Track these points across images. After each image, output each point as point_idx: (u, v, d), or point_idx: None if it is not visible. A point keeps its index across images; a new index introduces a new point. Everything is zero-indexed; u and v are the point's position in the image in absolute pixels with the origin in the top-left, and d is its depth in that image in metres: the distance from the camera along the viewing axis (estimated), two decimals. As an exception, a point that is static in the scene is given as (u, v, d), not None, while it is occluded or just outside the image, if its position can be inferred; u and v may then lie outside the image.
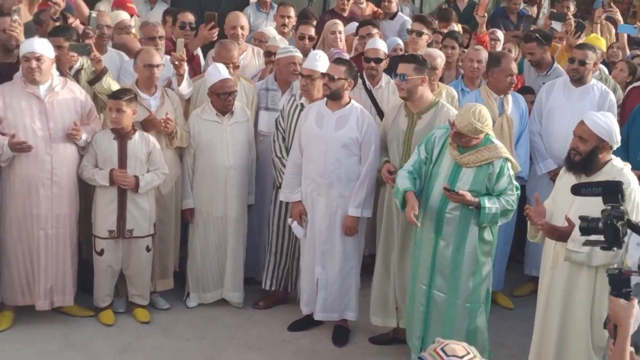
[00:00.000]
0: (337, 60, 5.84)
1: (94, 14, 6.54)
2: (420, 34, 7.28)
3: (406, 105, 5.59)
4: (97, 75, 6.02)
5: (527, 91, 6.95)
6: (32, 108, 5.59)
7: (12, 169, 5.60)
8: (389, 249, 5.71)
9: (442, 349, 2.89)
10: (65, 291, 5.84)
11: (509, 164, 5.10)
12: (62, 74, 5.86)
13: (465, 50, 7.43)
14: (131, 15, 7.58)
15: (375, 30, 7.46)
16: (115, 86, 6.05)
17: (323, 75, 5.73)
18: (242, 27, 7.10)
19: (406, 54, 5.89)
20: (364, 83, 6.55)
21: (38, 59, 5.50)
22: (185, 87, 6.27)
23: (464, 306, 5.15)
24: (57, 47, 5.79)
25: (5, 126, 5.55)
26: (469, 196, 4.97)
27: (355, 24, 8.08)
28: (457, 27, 8.66)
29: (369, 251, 6.48)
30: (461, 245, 5.09)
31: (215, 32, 6.80)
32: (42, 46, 5.55)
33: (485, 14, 8.24)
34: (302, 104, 6.06)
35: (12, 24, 5.93)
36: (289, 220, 5.97)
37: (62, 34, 5.99)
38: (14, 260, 5.72)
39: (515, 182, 5.14)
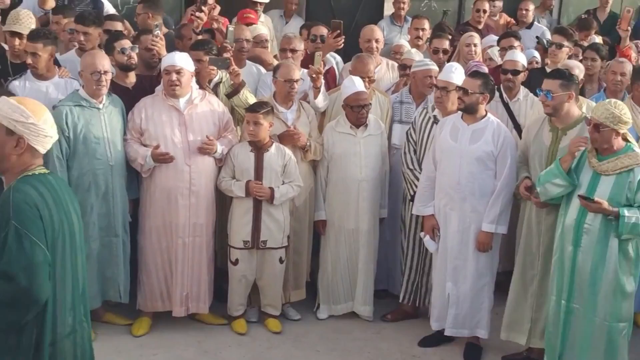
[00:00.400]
0: (473, 74, 5.76)
1: (231, 28, 6.68)
2: (560, 46, 7.13)
3: (550, 119, 5.42)
4: (235, 89, 6.15)
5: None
6: (172, 120, 5.76)
7: (153, 180, 5.77)
8: (526, 267, 5.55)
9: None
10: (200, 298, 5.97)
11: None
12: (201, 87, 6.01)
13: (608, 63, 7.18)
14: (249, 24, 7.70)
15: (517, 43, 7.34)
16: (252, 99, 6.16)
17: (458, 88, 5.65)
18: (377, 40, 7.12)
19: (552, 70, 5.70)
20: (501, 96, 6.43)
21: (178, 72, 5.66)
22: (321, 100, 6.32)
23: (603, 324, 4.94)
24: (197, 61, 5.94)
25: (146, 138, 5.74)
26: (605, 204, 4.78)
27: (491, 37, 7.97)
28: (597, 39, 8.40)
29: (503, 268, 6.33)
30: (601, 260, 4.89)
31: (341, 40, 6.82)
32: (182, 60, 5.70)
33: (629, 28, 7.95)
34: (434, 116, 6.00)
35: (153, 40, 6.14)
36: (421, 234, 5.92)
37: (203, 47, 6.14)
38: (153, 268, 5.89)
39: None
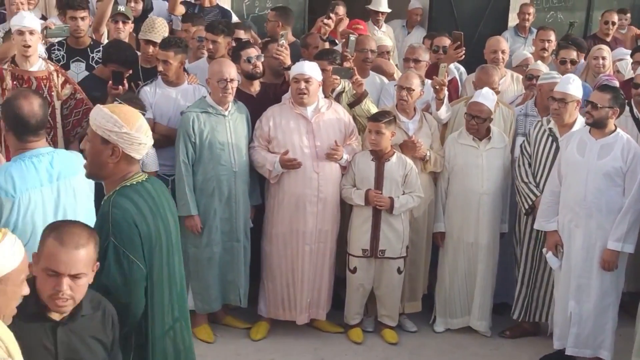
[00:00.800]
0: (602, 88, 5.61)
1: (352, 37, 6.71)
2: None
3: None
4: (358, 98, 6.17)
5: None
6: (300, 128, 5.82)
7: (281, 187, 5.84)
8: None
9: None
10: (319, 305, 6.02)
11: None
12: (325, 96, 6.06)
13: None
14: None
15: None
16: (374, 109, 6.17)
17: (587, 102, 5.51)
18: (502, 52, 7.01)
19: None
20: (631, 110, 6.24)
21: (307, 80, 5.73)
22: (443, 112, 6.28)
23: None
24: (322, 70, 5.97)
25: (275, 145, 5.81)
26: None
27: (621, 50, 7.74)
28: None
29: (628, 288, 6.13)
30: None
31: (462, 51, 6.75)
32: (311, 69, 5.77)
33: None
34: (550, 129, 5.88)
35: (278, 49, 6.23)
36: (544, 250, 5.78)
37: (327, 57, 6.19)
38: (278, 274, 5.96)
39: None
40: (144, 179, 3.42)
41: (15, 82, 5.60)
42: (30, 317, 2.92)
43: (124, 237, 3.00)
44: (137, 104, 5.48)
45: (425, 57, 6.80)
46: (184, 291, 3.66)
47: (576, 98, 5.80)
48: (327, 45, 6.80)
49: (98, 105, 3.41)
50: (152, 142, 3.47)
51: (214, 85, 5.66)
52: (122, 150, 3.31)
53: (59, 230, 2.94)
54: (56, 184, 3.74)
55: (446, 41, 7.27)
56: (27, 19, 5.61)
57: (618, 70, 7.26)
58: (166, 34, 6.29)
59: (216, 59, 6.13)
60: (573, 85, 5.76)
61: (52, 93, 5.74)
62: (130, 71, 6.02)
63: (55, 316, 2.99)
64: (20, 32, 5.58)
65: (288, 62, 6.23)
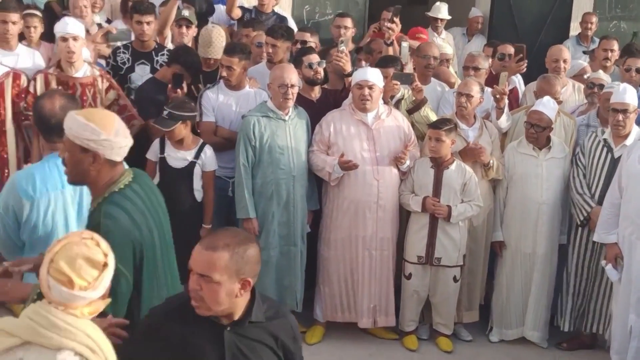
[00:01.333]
0: (665, 99, 5.53)
1: (404, 44, 6.71)
2: None
3: None
4: (417, 105, 6.17)
5: None
6: (361, 134, 5.84)
7: (342, 192, 5.86)
8: None
9: None
10: (388, 312, 6.02)
11: None
12: (384, 102, 6.07)
13: None
14: None
15: None
16: (433, 117, 6.16)
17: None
18: (564, 61, 6.94)
19: None
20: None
21: (370, 87, 5.75)
22: (503, 121, 6.24)
23: None
24: (384, 77, 5.99)
25: (335, 151, 5.83)
26: None
27: None
28: None
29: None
30: None
31: (524, 64, 6.70)
32: (374, 76, 5.80)
33: None
34: (605, 140, 5.83)
35: (338, 54, 6.26)
36: (603, 262, 5.71)
37: (390, 64, 6.21)
38: (336, 279, 5.97)
39: None
40: (130, 179, 3.41)
41: (60, 87, 5.65)
42: (199, 320, 2.93)
43: (116, 248, 2.90)
44: (185, 108, 5.60)
45: (485, 65, 6.78)
46: (178, 283, 3.66)
47: (636, 107, 5.74)
48: (390, 50, 6.81)
49: (71, 113, 3.34)
50: (131, 142, 3.42)
51: (275, 90, 5.71)
52: (104, 156, 3.28)
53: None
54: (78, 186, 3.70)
55: (511, 49, 7.24)
56: (70, 26, 5.72)
57: None
58: (224, 43, 6.35)
59: (278, 63, 6.19)
60: (630, 95, 5.72)
61: (97, 98, 5.85)
62: (190, 78, 6.11)
63: (224, 320, 2.98)
64: (64, 39, 5.68)
65: (349, 68, 6.27)
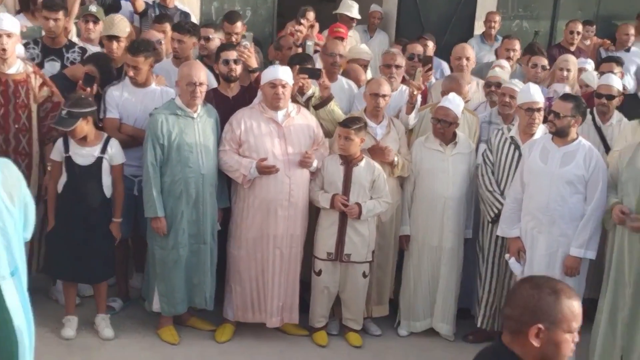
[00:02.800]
0: (564, 97, 5.70)
1: (309, 42, 6.73)
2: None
3: None
4: (323, 101, 6.19)
5: None
6: (272, 132, 5.82)
7: (253, 190, 5.82)
8: (617, 295, 5.38)
9: None
10: (292, 308, 6.02)
11: None
12: (292, 99, 6.08)
13: None
14: (342, 39, 7.74)
15: (617, 69, 7.23)
16: (338, 113, 6.19)
17: (550, 111, 5.60)
18: (467, 59, 7.09)
19: None
20: (593, 119, 6.34)
21: (284, 86, 5.75)
22: (412, 117, 6.33)
23: None
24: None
25: (245, 149, 5.80)
26: None
27: (585, 60, 7.87)
28: None
29: (589, 295, 6.23)
30: None
31: (432, 74, 6.82)
32: (286, 74, 5.79)
33: None
34: (512, 137, 5.97)
35: (242, 50, 6.20)
36: (506, 256, 5.85)
37: (301, 62, 6.23)
38: (247, 278, 5.94)
39: None
40: None
41: None
42: None
43: None
44: (84, 105, 5.54)
45: (403, 62, 6.84)
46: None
47: (542, 105, 5.91)
48: (299, 51, 6.83)
49: None
50: None
51: (183, 88, 5.65)
52: None
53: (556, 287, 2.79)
54: None
55: (420, 49, 7.31)
56: (5, 22, 5.59)
57: (587, 85, 7.30)
58: (128, 29, 6.29)
59: (184, 60, 6.14)
60: (537, 93, 5.89)
61: (30, 95, 5.73)
62: (100, 82, 6.03)
63: None
64: None
65: (253, 63, 6.23)
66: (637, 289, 5.25)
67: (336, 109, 6.23)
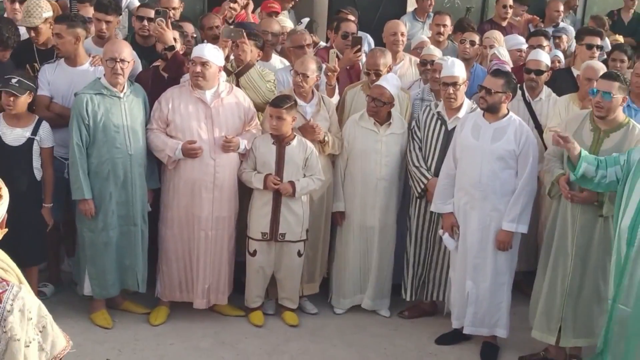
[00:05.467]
0: (494, 73, 5.71)
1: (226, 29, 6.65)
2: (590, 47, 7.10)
3: (593, 119, 5.34)
4: (242, 68, 6.13)
5: None
6: (199, 113, 5.73)
7: (178, 171, 5.75)
8: (558, 266, 5.41)
9: None
10: (219, 289, 5.98)
11: None
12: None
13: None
14: (276, 14, 7.65)
15: (546, 42, 7.31)
16: (259, 81, 6.14)
17: (480, 88, 5.62)
18: (401, 34, 7.06)
19: (609, 72, 5.63)
20: (523, 95, 6.40)
21: (204, 64, 5.64)
22: (334, 99, 6.32)
23: None
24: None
25: (172, 129, 5.73)
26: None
27: (515, 38, 7.93)
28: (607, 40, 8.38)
29: (521, 268, 6.31)
30: None
31: (361, 55, 6.77)
32: (211, 53, 5.67)
33: None
34: (438, 113, 6.00)
35: (159, 23, 5.99)
36: (440, 231, 5.89)
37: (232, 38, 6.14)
38: (174, 258, 5.89)
39: None
40: None
41: None
42: None
43: None
44: (32, 80, 5.52)
45: (311, 40, 6.78)
46: None
47: (465, 80, 5.93)
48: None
49: None
50: None
51: (105, 65, 5.56)
52: None
53: None
54: None
55: (353, 27, 7.24)
56: None
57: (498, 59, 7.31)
58: (45, 13, 6.09)
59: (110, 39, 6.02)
60: (458, 68, 5.89)
61: None
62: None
63: None
64: None
65: (168, 40, 6.01)
66: (580, 261, 5.33)
67: (258, 78, 6.16)
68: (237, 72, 6.15)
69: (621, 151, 5.10)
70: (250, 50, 6.18)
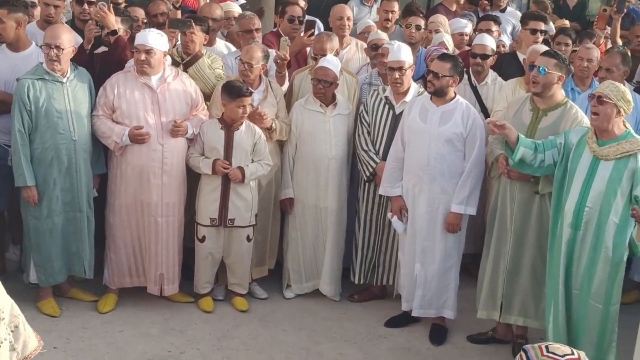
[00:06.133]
0: (442, 57, 5.74)
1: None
2: (534, 31, 7.18)
3: (533, 99, 5.43)
4: (190, 59, 6.09)
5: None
6: (145, 98, 5.68)
7: (124, 157, 5.70)
8: (500, 243, 5.50)
9: (545, 346, 2.84)
10: (173, 279, 5.95)
11: None
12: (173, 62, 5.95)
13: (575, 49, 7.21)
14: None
15: (495, 27, 7.37)
16: (208, 72, 6.11)
17: (428, 72, 5.65)
18: (348, 19, 7.08)
19: (548, 50, 5.72)
20: (469, 79, 6.45)
21: (148, 52, 5.59)
22: (284, 88, 6.31)
23: (596, 306, 4.95)
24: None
25: (118, 115, 5.67)
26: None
27: (454, 20, 7.98)
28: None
29: (469, 250, 6.38)
30: (598, 243, 4.90)
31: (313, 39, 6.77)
32: (155, 39, 5.61)
33: (607, 26, 8.08)
34: (386, 97, 6.01)
35: (101, 7, 6.00)
36: (389, 214, 5.92)
37: (180, 27, 6.10)
38: (122, 245, 5.84)
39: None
40: None
41: None
42: None
43: None
44: None
45: (260, 25, 6.75)
46: None
47: (411, 64, 5.95)
48: (178, 14, 6.68)
49: None
50: None
51: (43, 49, 5.47)
52: None
53: None
54: None
55: (300, 11, 7.20)
56: None
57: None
58: None
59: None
60: (404, 52, 5.90)
61: None
62: None
63: None
64: None
65: (110, 24, 5.97)
66: (518, 238, 5.42)
67: (206, 67, 6.13)
68: (185, 62, 6.10)
69: (558, 129, 5.23)
70: (198, 40, 6.14)
